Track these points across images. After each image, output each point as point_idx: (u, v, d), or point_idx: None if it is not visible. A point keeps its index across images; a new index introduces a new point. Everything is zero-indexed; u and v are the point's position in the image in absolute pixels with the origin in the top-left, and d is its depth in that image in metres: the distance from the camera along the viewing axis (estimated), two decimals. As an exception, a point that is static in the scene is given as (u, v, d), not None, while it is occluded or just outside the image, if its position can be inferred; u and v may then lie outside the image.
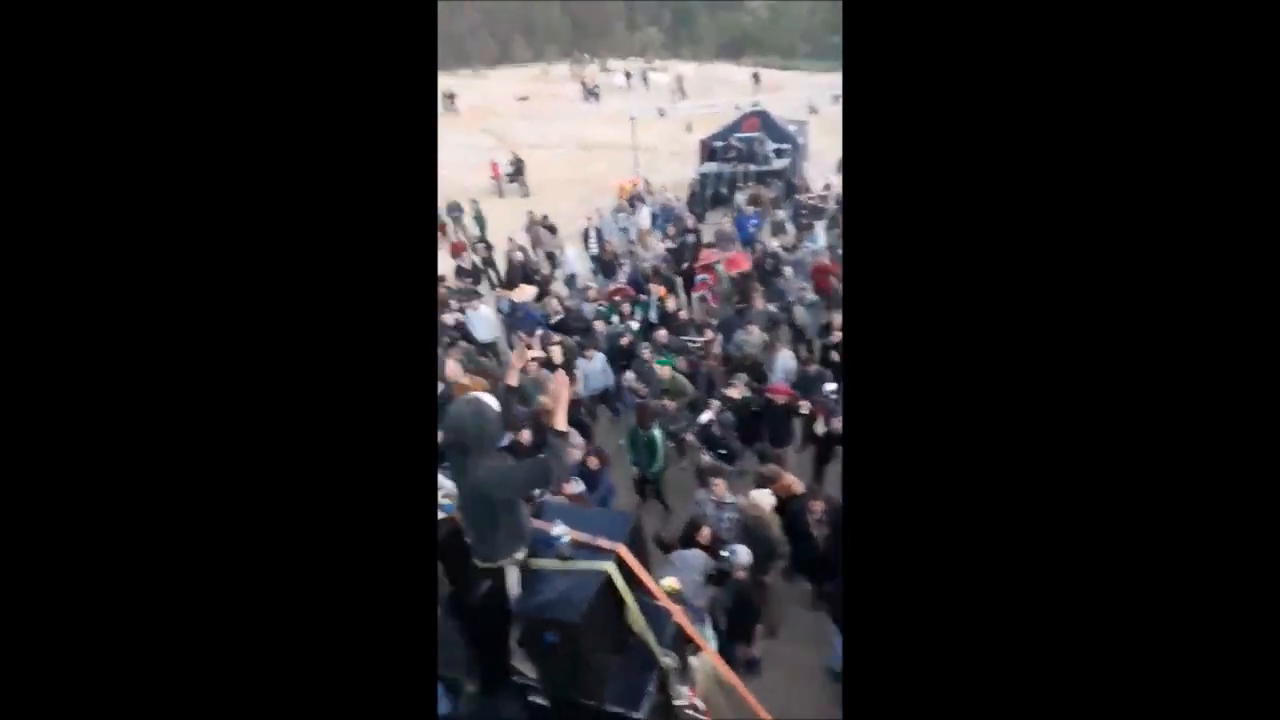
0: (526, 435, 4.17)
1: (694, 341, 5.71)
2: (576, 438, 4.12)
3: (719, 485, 3.83)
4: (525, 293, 6.91)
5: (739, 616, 3.45)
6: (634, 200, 10.30)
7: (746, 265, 7.16)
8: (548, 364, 5.34)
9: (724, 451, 4.56)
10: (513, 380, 2.30)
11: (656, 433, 4.52)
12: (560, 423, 2.00)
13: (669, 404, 4.89)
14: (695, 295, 7.12)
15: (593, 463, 4.09)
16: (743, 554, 3.41)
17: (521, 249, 8.34)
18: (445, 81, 22.59)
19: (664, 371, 5.11)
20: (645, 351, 5.38)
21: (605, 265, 8.16)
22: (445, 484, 2.39)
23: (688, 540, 3.54)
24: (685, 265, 7.80)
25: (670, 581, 2.91)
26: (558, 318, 6.40)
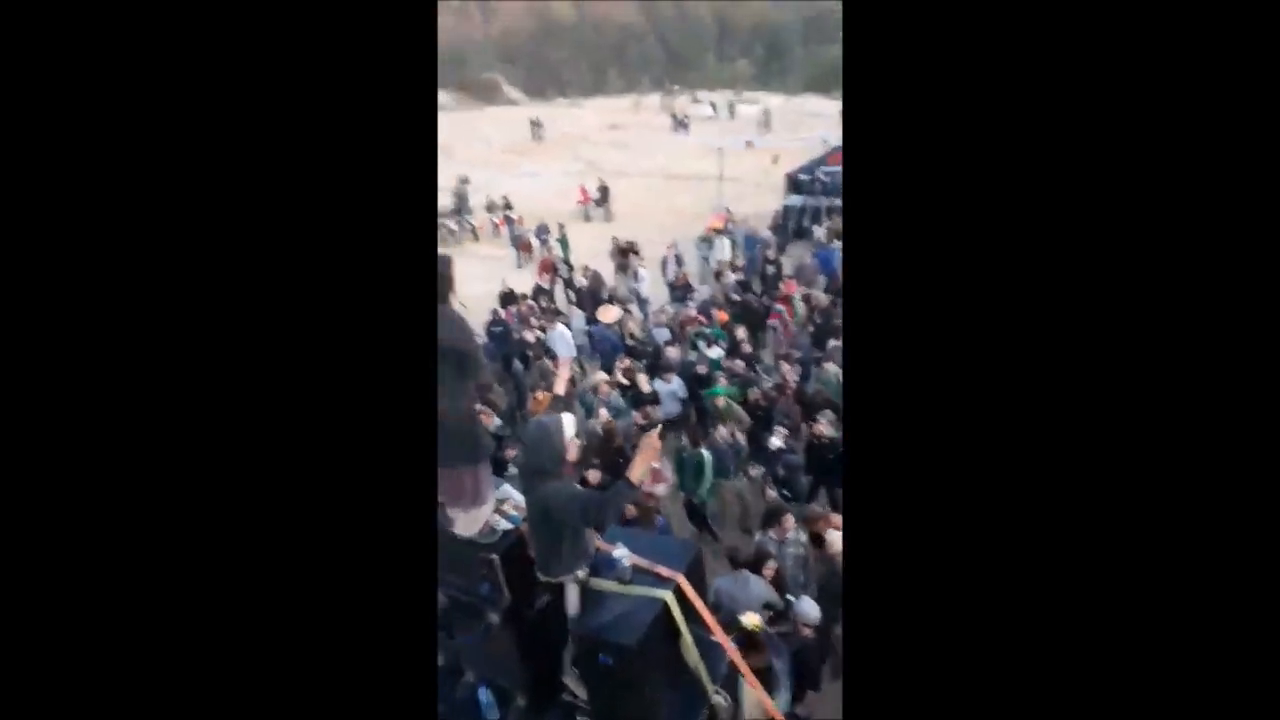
0: (595, 476, 4.04)
1: (763, 375, 5.64)
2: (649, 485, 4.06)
3: (787, 520, 3.69)
4: (610, 314, 7.07)
5: (798, 676, 3.23)
6: (728, 233, 10.33)
7: (825, 300, 7.02)
8: (628, 389, 5.43)
9: (786, 494, 4.43)
10: (560, 389, 2.37)
11: (705, 454, 4.46)
12: (634, 476, 2.01)
13: (724, 430, 4.84)
14: (770, 325, 7.04)
15: (660, 488, 4.09)
16: (809, 609, 3.10)
17: (595, 273, 8.57)
18: (539, 110, 23.83)
19: (718, 401, 5.07)
20: (722, 380, 5.37)
21: (680, 292, 8.24)
22: (515, 496, 2.48)
23: (755, 566, 3.37)
24: (762, 296, 7.75)
25: (753, 618, 2.81)
26: (632, 342, 6.51)
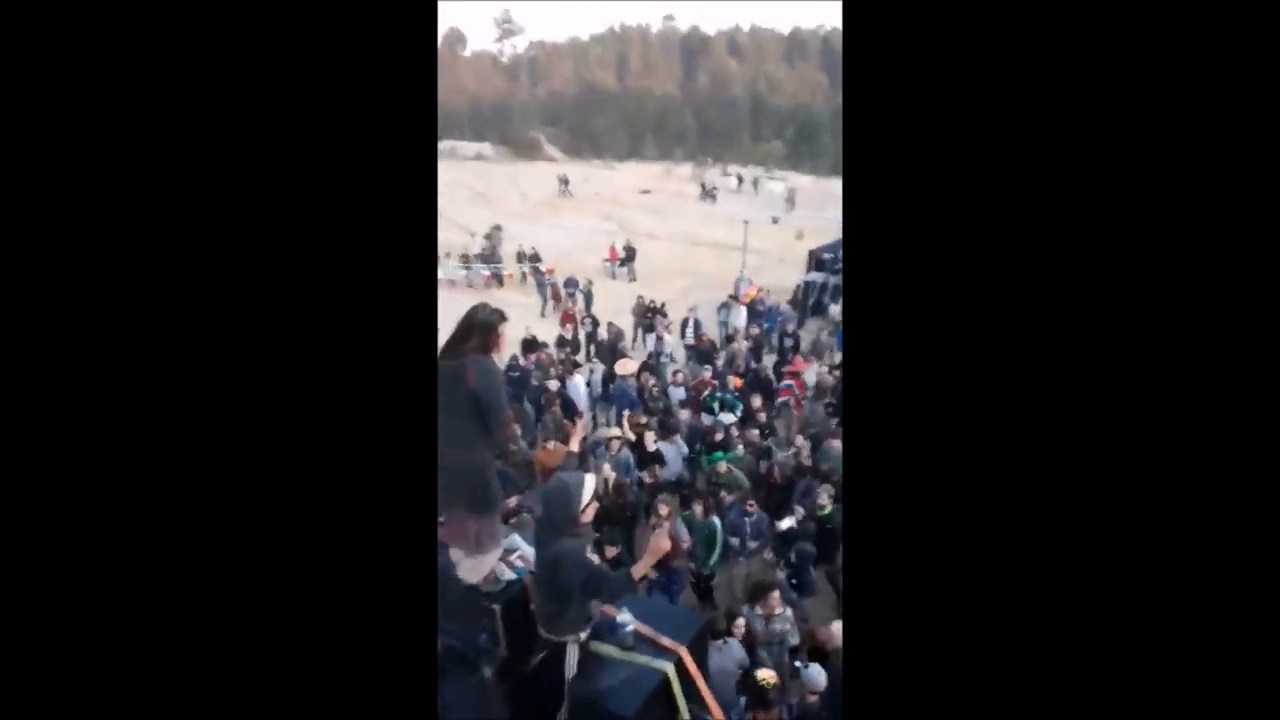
0: (611, 552, 3.91)
1: (775, 448, 5.62)
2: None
3: (773, 598, 3.61)
4: (627, 367, 7.16)
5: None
6: (754, 305, 10.49)
7: (832, 381, 7.03)
8: (635, 444, 5.43)
9: (795, 581, 4.32)
10: (574, 447, 2.45)
11: (716, 521, 4.37)
12: (637, 573, 2.03)
13: (726, 497, 4.78)
14: (779, 401, 7.06)
15: (665, 544, 4.00)
16: (817, 676, 3.03)
17: (617, 329, 8.72)
18: (575, 168, 24.80)
19: (719, 467, 5.03)
20: (740, 447, 5.34)
21: (698, 355, 8.33)
22: (523, 547, 2.47)
23: (727, 629, 3.35)
24: (776, 368, 7.81)
25: (768, 675, 2.84)
26: (648, 399, 6.55)
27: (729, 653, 3.23)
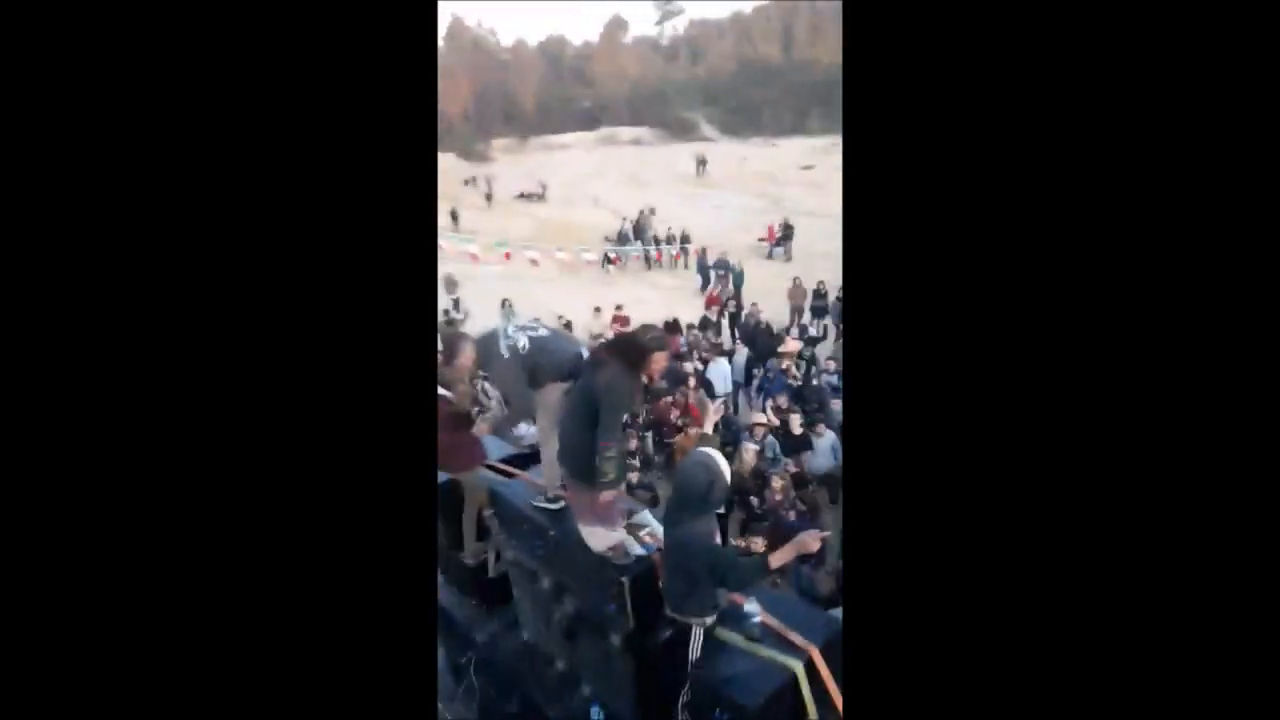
0: (759, 544, 3.84)
1: None
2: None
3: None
4: (789, 346, 6.92)
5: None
6: None
7: None
8: (783, 433, 5.24)
9: None
10: (708, 428, 2.36)
11: None
12: (775, 561, 1.96)
13: None
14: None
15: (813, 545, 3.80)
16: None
17: (755, 311, 8.36)
18: (733, 147, 24.24)
19: None
20: None
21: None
22: (653, 524, 2.48)
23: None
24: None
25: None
26: (796, 384, 6.26)
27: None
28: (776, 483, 4.03)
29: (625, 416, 2.22)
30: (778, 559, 1.93)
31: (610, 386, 2.11)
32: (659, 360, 2.22)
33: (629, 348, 2.21)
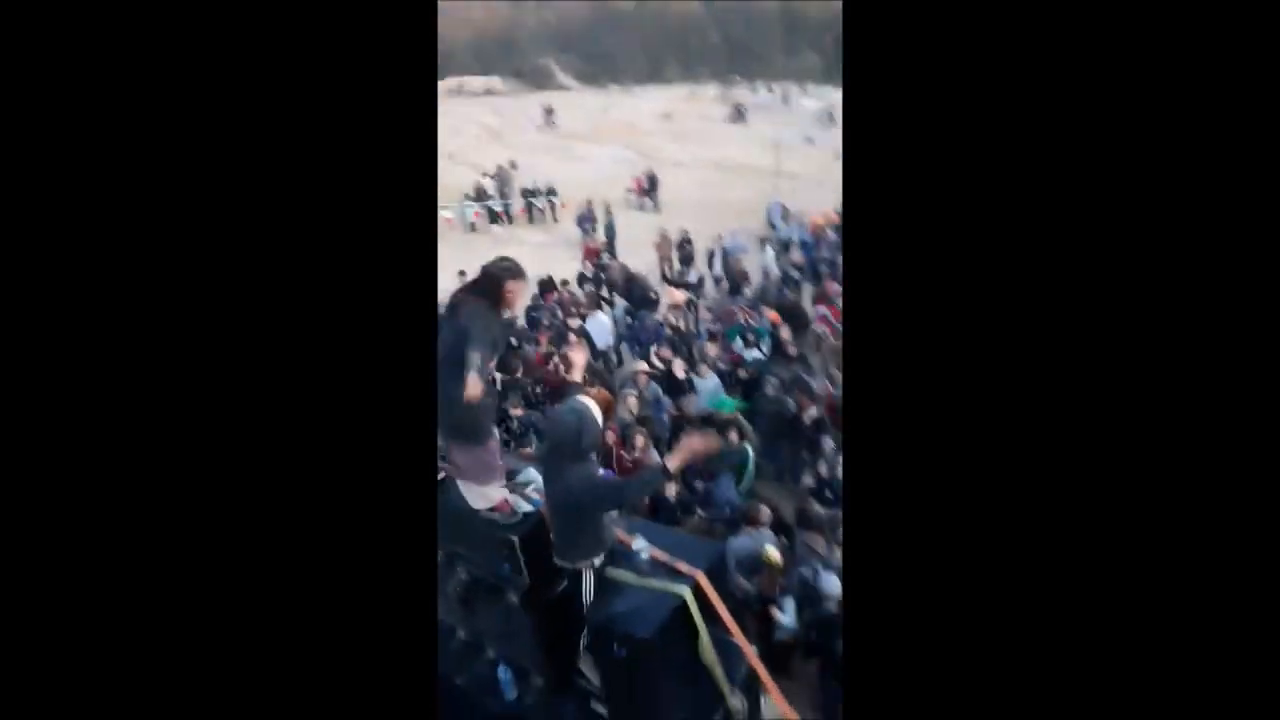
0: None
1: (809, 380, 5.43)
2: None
3: (762, 513, 3.52)
4: (676, 295, 7.03)
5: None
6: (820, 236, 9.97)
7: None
8: (663, 378, 5.38)
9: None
10: (575, 376, 2.37)
11: (749, 448, 4.29)
12: (674, 465, 2.03)
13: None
14: (813, 330, 6.83)
15: (699, 445, 3.95)
16: (832, 584, 2.98)
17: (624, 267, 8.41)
18: (592, 96, 23.74)
19: (723, 414, 4.65)
20: (769, 387, 5.17)
21: (731, 286, 8.11)
22: (537, 479, 2.48)
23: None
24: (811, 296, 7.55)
25: (771, 552, 2.96)
26: (673, 334, 6.44)
27: (758, 538, 3.25)
28: (639, 440, 4.20)
29: (492, 350, 2.16)
30: (674, 462, 2.01)
31: (470, 319, 2.05)
32: (514, 289, 2.15)
33: (482, 281, 2.14)
